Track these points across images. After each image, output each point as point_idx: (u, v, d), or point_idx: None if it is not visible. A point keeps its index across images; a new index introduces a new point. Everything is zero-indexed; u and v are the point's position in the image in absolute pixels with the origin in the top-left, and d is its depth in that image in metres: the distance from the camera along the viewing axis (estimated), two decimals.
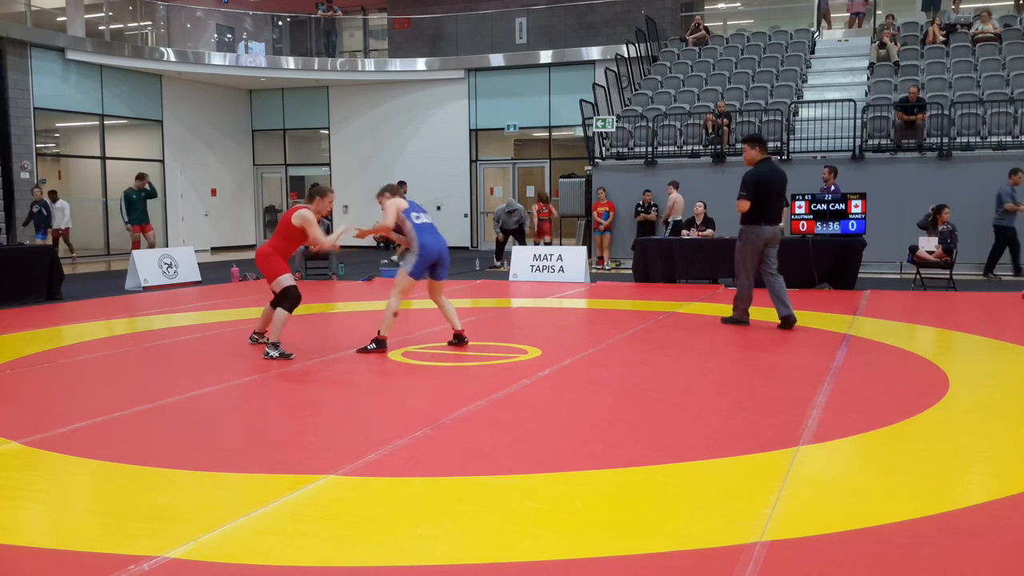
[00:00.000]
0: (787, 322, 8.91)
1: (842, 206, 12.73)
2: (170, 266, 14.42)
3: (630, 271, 14.68)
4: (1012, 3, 21.12)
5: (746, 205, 8.90)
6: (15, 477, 4.35)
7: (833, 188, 13.75)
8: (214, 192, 24.51)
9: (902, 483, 4.16)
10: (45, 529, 3.75)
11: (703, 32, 21.80)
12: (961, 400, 5.79)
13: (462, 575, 3.17)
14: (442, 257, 7.66)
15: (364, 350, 7.70)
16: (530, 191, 23.02)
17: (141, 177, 17.26)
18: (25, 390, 6.40)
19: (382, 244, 24.15)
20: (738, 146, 17.30)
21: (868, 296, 11.70)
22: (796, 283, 12.60)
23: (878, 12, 22.05)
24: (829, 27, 21.92)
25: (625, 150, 18.45)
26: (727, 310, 9.72)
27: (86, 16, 21.34)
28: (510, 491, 4.03)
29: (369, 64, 24.59)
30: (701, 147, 17.68)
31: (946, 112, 16.06)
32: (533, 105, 23.22)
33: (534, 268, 14.63)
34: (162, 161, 23.13)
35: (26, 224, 17.80)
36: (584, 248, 15.03)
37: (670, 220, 16.22)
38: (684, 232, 14.72)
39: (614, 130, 18.28)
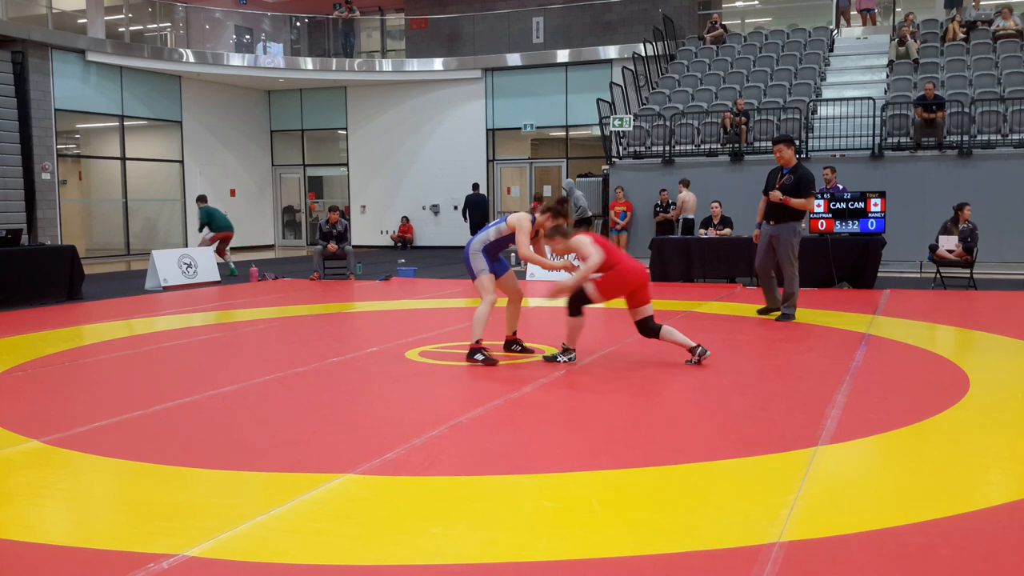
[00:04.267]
0: (776, 311, 9.52)
1: (861, 205, 12.65)
2: (189, 266, 14.50)
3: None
4: None
5: (813, 203, 9.17)
6: (36, 475, 4.39)
7: (840, 188, 13.66)
8: (233, 192, 24.63)
9: (921, 483, 4.13)
10: (65, 527, 3.78)
11: (721, 30, 21.72)
12: (981, 400, 5.74)
13: (479, 575, 3.17)
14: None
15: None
16: (547, 190, 23.01)
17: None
18: (46, 389, 6.46)
19: (399, 244, 24.22)
20: (756, 144, 17.25)
21: (888, 295, 11.62)
22: (815, 282, 12.54)
23: (897, 9, 21.90)
24: (848, 25, 21.80)
25: (642, 149, 18.41)
26: (744, 309, 9.68)
27: (106, 18, 21.49)
28: (527, 491, 4.03)
29: (387, 64, 24.66)
30: (719, 146, 17.62)
31: (966, 110, 15.93)
32: (550, 104, 23.21)
33: None
34: (181, 162, 23.27)
35: None
36: None
37: (680, 218, 16.24)
38: (702, 231, 14.68)
39: (631, 129, 18.25)
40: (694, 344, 7.02)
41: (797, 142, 16.63)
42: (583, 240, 6.90)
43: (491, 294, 7.13)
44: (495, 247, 7.21)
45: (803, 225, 9.41)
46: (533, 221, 7.17)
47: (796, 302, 9.43)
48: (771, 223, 9.33)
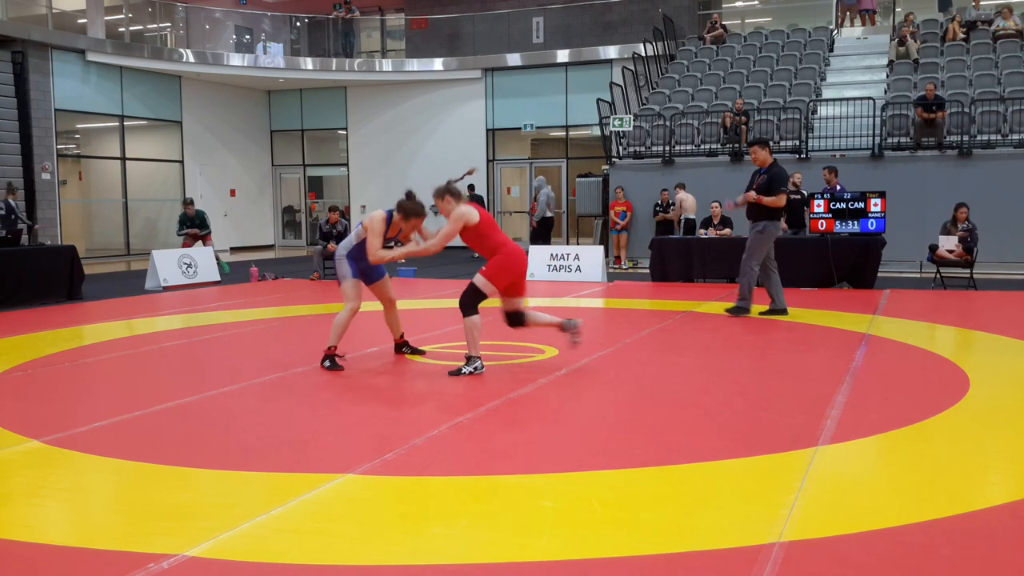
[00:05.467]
0: (783, 312, 9.64)
1: (861, 205, 12.65)
2: (189, 266, 14.51)
3: (647, 270, 14.64)
4: None
5: (784, 200, 9.39)
6: (36, 476, 4.39)
7: (838, 188, 13.66)
8: (233, 192, 24.63)
9: (921, 483, 4.13)
10: (65, 527, 3.79)
11: (721, 30, 21.72)
12: (981, 400, 5.74)
13: (479, 574, 3.17)
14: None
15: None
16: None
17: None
18: (46, 389, 6.46)
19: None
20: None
21: (888, 295, 11.63)
22: (815, 282, 12.55)
23: (897, 9, 21.89)
24: (852, 24, 21.78)
25: (642, 149, 18.40)
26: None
27: (106, 18, 21.49)
28: (527, 491, 4.03)
29: (387, 64, 24.65)
30: (719, 146, 17.62)
31: (966, 110, 15.93)
32: (550, 104, 23.20)
33: (551, 267, 14.63)
34: (181, 162, 23.27)
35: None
36: (601, 248, 15.01)
37: (681, 218, 16.29)
38: (702, 232, 14.68)
39: (631, 129, 18.25)
40: (561, 320, 6.89)
41: (797, 142, 16.76)
42: (459, 212, 6.63)
43: (352, 301, 7.01)
44: (360, 251, 7.03)
45: (776, 226, 9.57)
46: (389, 220, 6.92)
47: (748, 296, 9.61)
48: (751, 221, 9.64)
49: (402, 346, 7.61)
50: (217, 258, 15.92)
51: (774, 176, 9.39)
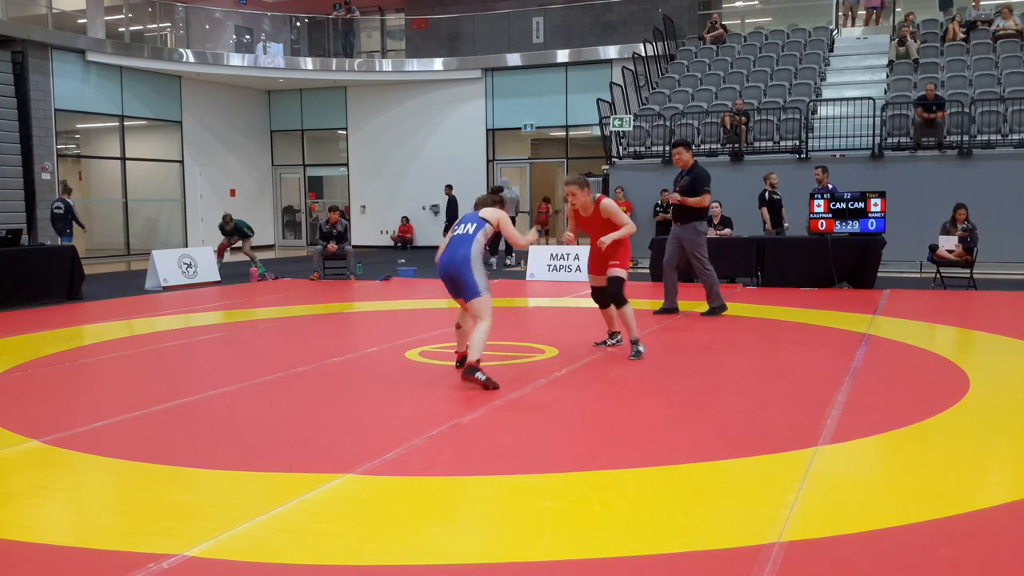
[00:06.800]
0: (675, 311, 9.90)
1: (861, 205, 12.64)
2: (189, 266, 14.50)
3: (647, 270, 14.63)
4: None
5: (708, 200, 9.51)
6: (36, 476, 4.39)
7: (830, 187, 13.66)
8: (233, 192, 24.62)
9: (922, 484, 4.13)
10: (65, 527, 3.79)
11: (721, 30, 21.73)
12: (981, 400, 5.74)
13: (479, 574, 3.17)
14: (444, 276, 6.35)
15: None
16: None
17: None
18: (46, 389, 6.45)
19: (399, 244, 24.21)
20: (756, 144, 17.26)
21: (888, 295, 11.62)
22: (815, 282, 12.54)
23: (897, 9, 21.90)
24: (853, 24, 21.78)
25: (642, 149, 18.40)
26: (745, 309, 9.69)
27: (106, 18, 21.50)
28: (527, 491, 4.03)
29: (387, 64, 24.66)
30: (719, 146, 17.62)
31: (966, 110, 15.93)
32: (550, 104, 23.20)
33: (551, 267, 14.63)
34: (181, 162, 23.27)
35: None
36: None
37: None
38: None
39: (631, 129, 18.25)
40: (616, 330, 7.74)
41: (797, 142, 16.76)
42: (616, 206, 7.27)
43: (491, 318, 6.24)
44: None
45: (705, 225, 9.73)
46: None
47: (718, 293, 9.71)
48: (678, 224, 9.76)
49: (464, 360, 6.48)
50: (254, 258, 15.86)
51: (696, 177, 9.48)
